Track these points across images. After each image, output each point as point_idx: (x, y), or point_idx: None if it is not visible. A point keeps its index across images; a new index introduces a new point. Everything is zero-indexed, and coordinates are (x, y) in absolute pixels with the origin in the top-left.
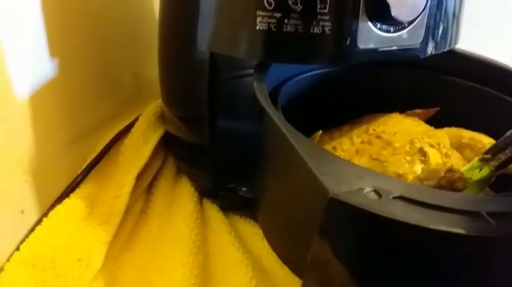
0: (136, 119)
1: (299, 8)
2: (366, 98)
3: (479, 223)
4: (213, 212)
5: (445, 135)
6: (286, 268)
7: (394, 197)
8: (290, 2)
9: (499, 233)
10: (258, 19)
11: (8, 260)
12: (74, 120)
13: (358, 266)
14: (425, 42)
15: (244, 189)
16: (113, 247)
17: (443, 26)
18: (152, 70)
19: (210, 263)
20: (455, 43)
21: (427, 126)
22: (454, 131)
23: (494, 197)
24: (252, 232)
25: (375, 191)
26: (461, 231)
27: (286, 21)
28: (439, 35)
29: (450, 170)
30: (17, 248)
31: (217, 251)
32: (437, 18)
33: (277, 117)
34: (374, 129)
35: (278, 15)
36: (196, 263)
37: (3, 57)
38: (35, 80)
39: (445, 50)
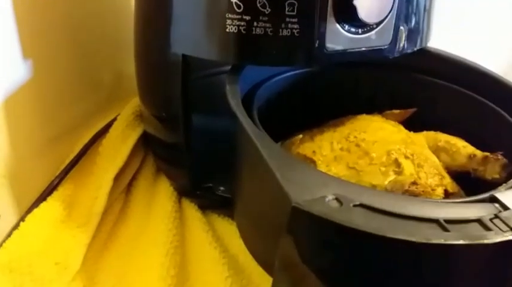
0: (115, 119)
1: (267, 10)
2: (344, 98)
3: (436, 231)
4: (192, 211)
5: (423, 139)
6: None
7: (355, 205)
8: (259, 5)
9: (454, 241)
10: (228, 22)
11: None
12: (51, 121)
13: (323, 272)
14: (394, 43)
15: (221, 188)
16: (91, 248)
17: (413, 26)
18: (132, 67)
19: (187, 262)
20: (426, 42)
21: (407, 132)
22: (431, 134)
23: (455, 202)
24: (230, 231)
25: (337, 199)
26: (418, 239)
27: (255, 23)
28: (408, 35)
29: (414, 183)
30: None
31: (194, 250)
32: (406, 18)
33: (246, 123)
34: (355, 137)
35: (247, 17)
36: (174, 263)
37: None
38: (9, 82)
39: (415, 50)
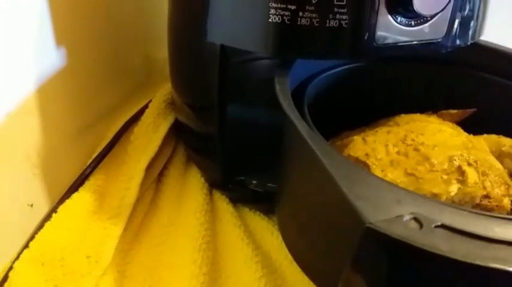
0: (146, 106)
1: (315, 0)
2: (395, 96)
3: None
4: (223, 204)
5: (485, 143)
6: (294, 266)
7: (437, 226)
8: None
9: None
10: (271, 11)
11: (17, 257)
12: (82, 110)
13: None
14: (447, 36)
15: (254, 182)
16: (122, 240)
17: (468, 18)
18: (163, 51)
19: (219, 258)
20: (480, 35)
21: (467, 135)
22: (493, 138)
23: None
24: (262, 226)
25: (415, 219)
26: None
27: (301, 13)
28: (463, 28)
29: (487, 196)
30: (27, 246)
31: (226, 246)
32: (463, 11)
33: (302, 127)
34: (412, 140)
35: (292, 7)
36: (206, 260)
37: (6, 49)
38: (41, 71)
39: (469, 44)
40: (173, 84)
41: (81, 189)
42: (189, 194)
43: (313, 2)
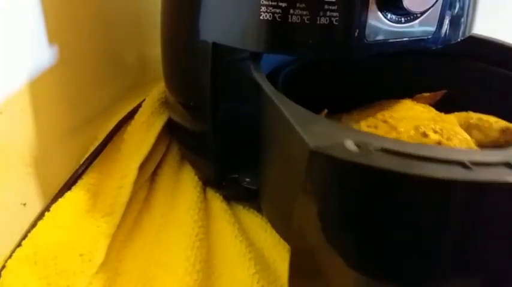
0: (140, 105)
1: None
2: (374, 86)
3: (460, 170)
4: (217, 202)
5: (454, 118)
6: (288, 263)
7: (376, 150)
8: None
9: (480, 177)
10: (262, 8)
11: (10, 256)
12: (75, 108)
13: (344, 219)
14: (438, 33)
15: (247, 180)
16: (115, 238)
17: (458, 15)
18: (157, 49)
19: (212, 255)
20: (470, 31)
21: (437, 112)
22: (463, 114)
23: (480, 150)
24: (255, 223)
25: (356, 144)
26: (443, 176)
27: (291, 11)
28: (453, 25)
29: (439, 143)
30: (19, 244)
31: (220, 243)
32: (452, 7)
33: (268, 87)
34: (382, 115)
35: (283, 4)
36: (199, 257)
37: None
38: (33, 69)
39: (459, 40)
40: (166, 83)
41: (74, 188)
42: (183, 192)
43: None
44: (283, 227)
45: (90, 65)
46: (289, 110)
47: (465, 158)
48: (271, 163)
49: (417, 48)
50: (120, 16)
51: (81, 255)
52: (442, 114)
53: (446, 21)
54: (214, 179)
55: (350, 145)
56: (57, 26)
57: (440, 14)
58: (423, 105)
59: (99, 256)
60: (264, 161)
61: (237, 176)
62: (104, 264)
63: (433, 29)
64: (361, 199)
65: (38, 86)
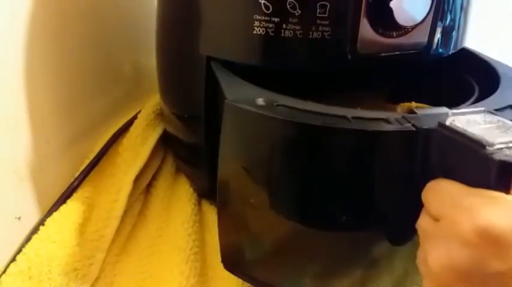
0: (135, 117)
1: (298, 12)
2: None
3: (343, 121)
4: (212, 214)
5: (399, 108)
6: None
7: (278, 105)
8: (288, 6)
9: (356, 127)
10: (256, 23)
11: (4, 271)
12: (71, 120)
13: (251, 164)
14: (429, 46)
15: None
16: (110, 252)
17: (449, 28)
18: (152, 60)
19: (208, 269)
20: (462, 44)
21: (381, 103)
22: (406, 104)
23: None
24: None
25: (264, 100)
26: (320, 123)
27: (284, 25)
28: (445, 38)
29: None
30: (14, 259)
31: (214, 256)
32: (443, 21)
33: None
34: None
35: (276, 19)
36: (194, 271)
37: None
38: (28, 83)
39: (449, 53)
40: (161, 95)
41: (69, 201)
42: (178, 205)
43: (296, 14)
44: None
45: (86, 77)
46: (224, 79)
47: (350, 114)
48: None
49: (409, 61)
50: (116, 28)
51: (75, 270)
52: (388, 105)
53: (438, 35)
54: (210, 191)
55: (260, 101)
56: (53, 37)
57: (431, 28)
58: (376, 98)
59: (94, 270)
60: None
61: None
62: (98, 278)
63: (424, 42)
64: (264, 144)
65: (32, 98)
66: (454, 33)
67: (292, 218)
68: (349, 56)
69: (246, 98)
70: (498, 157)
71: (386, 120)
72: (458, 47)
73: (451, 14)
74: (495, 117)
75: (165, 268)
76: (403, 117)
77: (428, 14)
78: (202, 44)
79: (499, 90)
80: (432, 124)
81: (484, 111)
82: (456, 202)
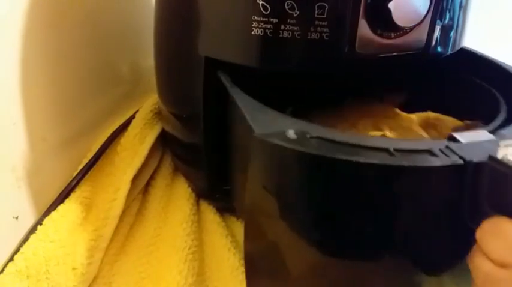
0: (133, 116)
1: (296, 13)
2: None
3: (385, 156)
4: (210, 214)
5: (415, 118)
6: None
7: (312, 137)
8: (287, 7)
9: (402, 163)
10: (254, 24)
11: (2, 270)
12: (68, 120)
13: (282, 196)
14: (428, 47)
15: None
16: (108, 251)
17: (448, 29)
18: (150, 60)
19: (206, 268)
20: (460, 45)
21: (398, 112)
22: (423, 114)
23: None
24: None
25: (295, 133)
26: (362, 160)
27: (282, 26)
28: (443, 39)
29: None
30: (11, 259)
31: (213, 256)
32: (442, 21)
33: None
34: (342, 114)
35: (274, 20)
36: (192, 270)
37: None
38: (25, 81)
39: (448, 54)
40: (159, 94)
41: (67, 201)
42: (176, 204)
43: (295, 15)
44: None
45: (84, 77)
46: (246, 107)
47: (391, 146)
48: (235, 158)
49: (408, 62)
50: (114, 28)
51: (73, 269)
52: (403, 114)
53: (436, 36)
54: (208, 191)
55: (291, 133)
56: (50, 37)
57: (429, 28)
58: (387, 105)
59: (92, 269)
60: (232, 161)
61: (230, 187)
62: (96, 277)
63: (423, 43)
64: (299, 181)
65: (30, 97)
66: (452, 34)
67: (332, 257)
68: (348, 57)
69: (275, 130)
70: None
71: (431, 152)
72: (457, 48)
73: (449, 14)
74: None
75: (163, 267)
76: (447, 147)
77: (426, 14)
78: (201, 44)
79: None
80: (481, 156)
81: None
82: None
